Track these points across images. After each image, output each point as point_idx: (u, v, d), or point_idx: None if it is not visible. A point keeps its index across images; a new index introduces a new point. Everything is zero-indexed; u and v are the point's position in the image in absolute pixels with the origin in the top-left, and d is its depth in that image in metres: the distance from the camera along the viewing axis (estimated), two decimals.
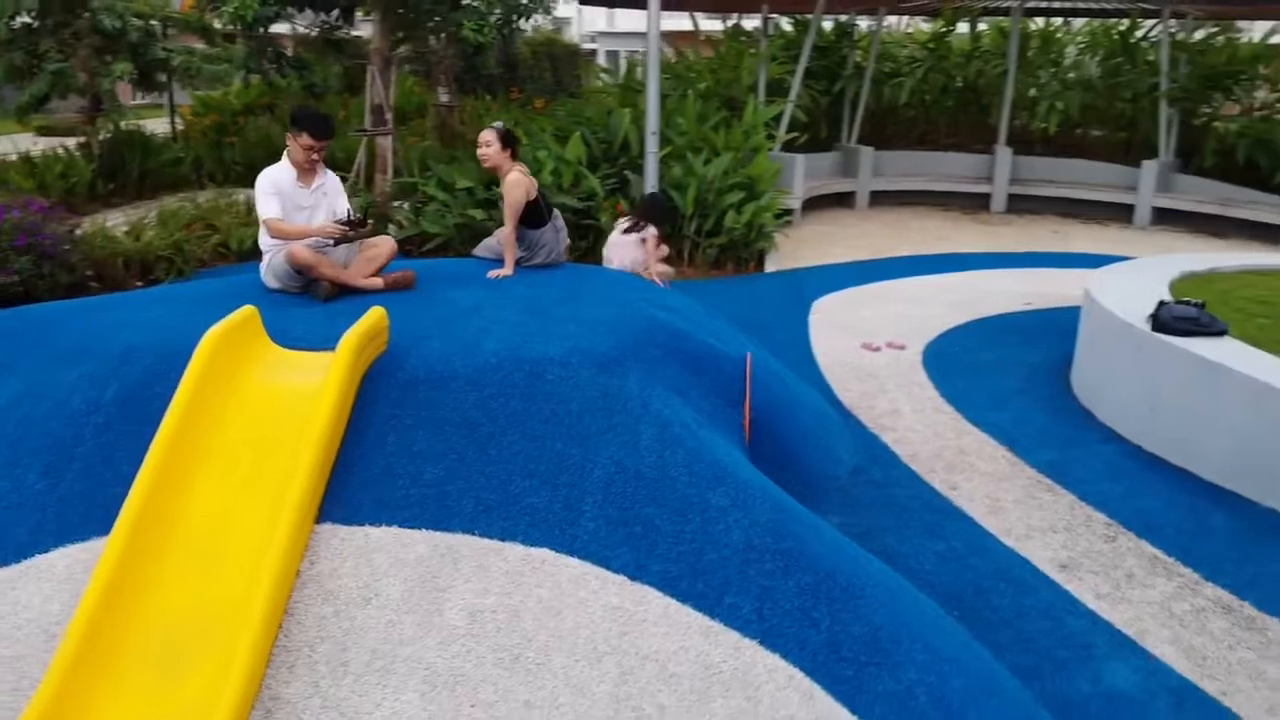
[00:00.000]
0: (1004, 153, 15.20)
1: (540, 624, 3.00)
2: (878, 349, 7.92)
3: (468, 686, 2.90)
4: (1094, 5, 14.56)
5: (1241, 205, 13.38)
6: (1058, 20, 16.63)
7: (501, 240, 5.70)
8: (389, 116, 11.91)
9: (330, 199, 5.00)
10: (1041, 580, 4.43)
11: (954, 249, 12.43)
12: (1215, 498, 5.24)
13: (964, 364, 7.58)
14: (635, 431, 3.59)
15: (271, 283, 4.93)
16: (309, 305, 4.73)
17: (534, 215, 5.58)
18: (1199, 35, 14.64)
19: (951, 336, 8.36)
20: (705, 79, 13.44)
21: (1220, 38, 14.54)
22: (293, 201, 4.85)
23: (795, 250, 11.92)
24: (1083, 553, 4.67)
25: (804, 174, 13.84)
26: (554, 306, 4.76)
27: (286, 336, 4.14)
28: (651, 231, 7.08)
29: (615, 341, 4.23)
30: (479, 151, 5.53)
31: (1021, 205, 15.33)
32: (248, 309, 4.01)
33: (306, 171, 4.90)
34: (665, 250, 7.51)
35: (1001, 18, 16.02)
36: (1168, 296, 6.68)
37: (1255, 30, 16.04)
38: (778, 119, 13.48)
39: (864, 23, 16.39)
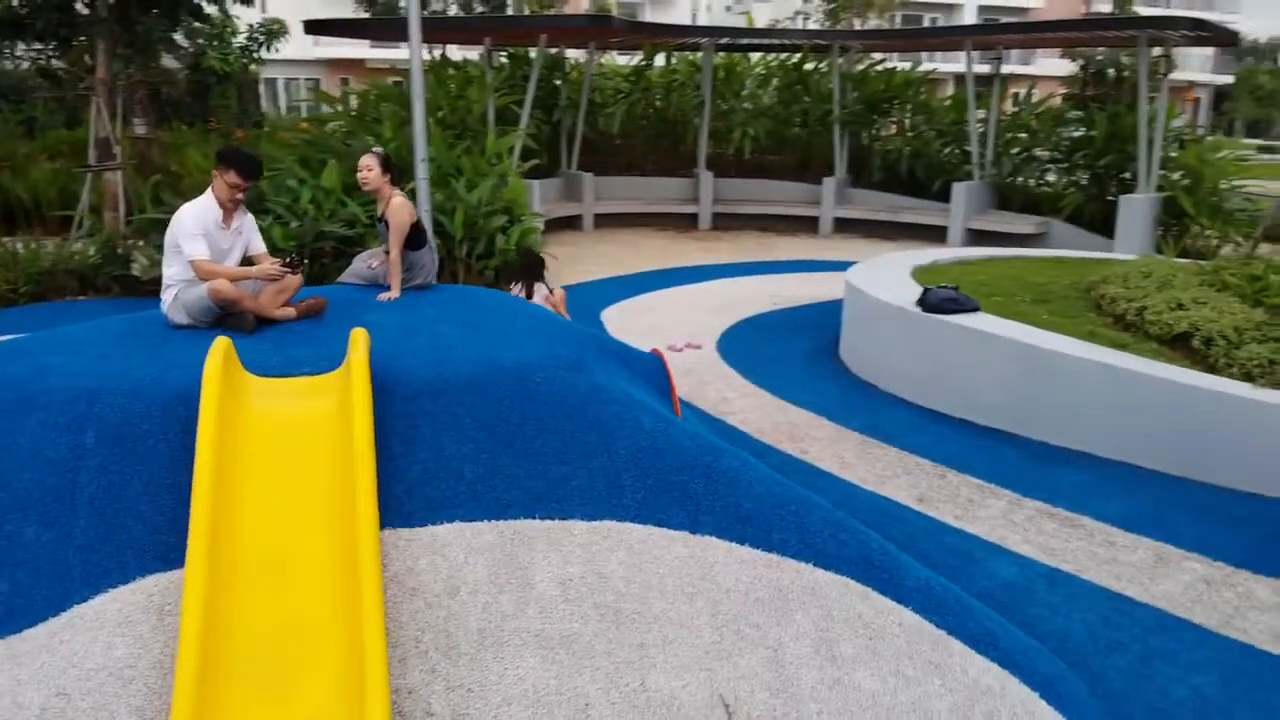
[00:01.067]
0: (706, 176, 16.84)
1: (628, 580, 3.44)
2: (680, 350, 8.80)
3: (581, 643, 3.27)
4: (773, 41, 16.59)
5: (906, 211, 15.91)
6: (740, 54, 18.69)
7: (372, 265, 5.87)
8: (116, 150, 11.10)
9: (246, 237, 4.97)
10: (909, 512, 5.43)
11: (687, 262, 13.71)
12: (998, 437, 6.60)
13: (755, 356, 8.65)
14: (635, 417, 4.08)
15: (179, 319, 4.80)
16: (238, 338, 4.69)
17: (416, 238, 5.81)
18: (860, 67, 17.14)
19: (732, 335, 9.44)
20: (443, 107, 13.76)
21: (878, 68, 17.15)
22: (214, 242, 4.78)
23: (555, 270, 12.58)
24: (928, 489, 5.75)
25: (540, 199, 14.57)
26: (480, 321, 5.08)
27: (248, 366, 4.17)
28: (543, 292, 6.89)
29: (567, 346, 4.67)
30: (360, 175, 5.66)
31: (724, 222, 17.06)
32: (223, 340, 4.02)
33: (229, 212, 4.85)
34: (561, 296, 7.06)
35: (691, 52, 17.72)
36: (912, 285, 8.15)
37: (907, 61, 18.99)
38: (513, 147, 14.09)
39: (574, 55, 17.43)
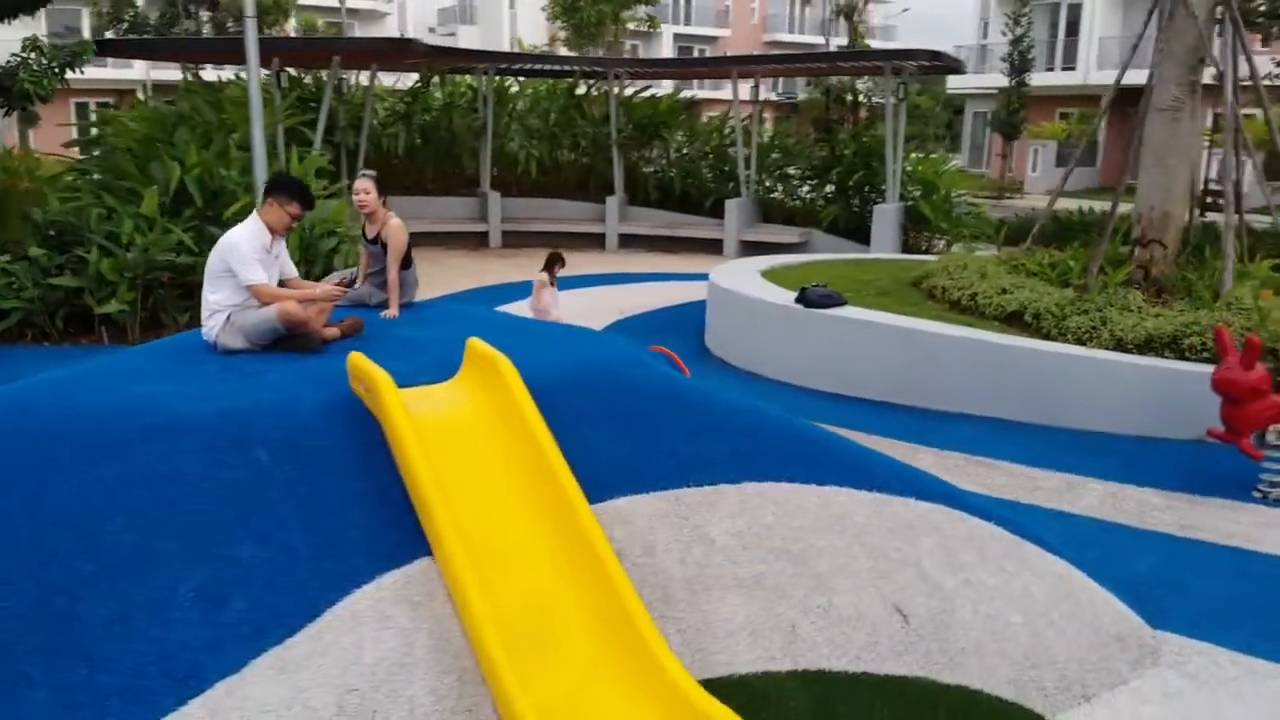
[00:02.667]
0: (493, 195, 17.31)
1: (786, 526, 4.08)
2: None
3: (770, 580, 3.89)
4: (550, 66, 17.39)
5: (684, 226, 17.28)
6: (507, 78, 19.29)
7: (365, 286, 6.05)
8: None
9: (281, 261, 5.05)
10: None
11: (500, 280, 14.17)
12: (891, 407, 7.81)
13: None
14: (724, 399, 4.73)
15: (233, 343, 4.80)
16: (306, 358, 4.80)
17: (408, 258, 6.05)
18: (628, 93, 18.32)
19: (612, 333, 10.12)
20: (238, 128, 13.24)
21: (646, 94, 18.42)
22: (263, 267, 4.85)
23: None
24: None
25: None
26: (501, 334, 5.48)
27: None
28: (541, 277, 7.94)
29: (612, 347, 5.22)
30: (358, 199, 5.81)
31: (513, 240, 17.59)
32: (358, 355, 4.21)
33: (277, 238, 4.92)
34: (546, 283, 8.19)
35: (465, 75, 18.09)
36: (772, 286, 9.29)
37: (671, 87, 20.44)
38: (320, 169, 13.85)
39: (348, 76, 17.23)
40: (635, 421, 4.41)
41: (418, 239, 17.86)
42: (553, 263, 8.14)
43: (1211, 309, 7.56)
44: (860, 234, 16.12)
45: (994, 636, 3.94)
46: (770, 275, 10.06)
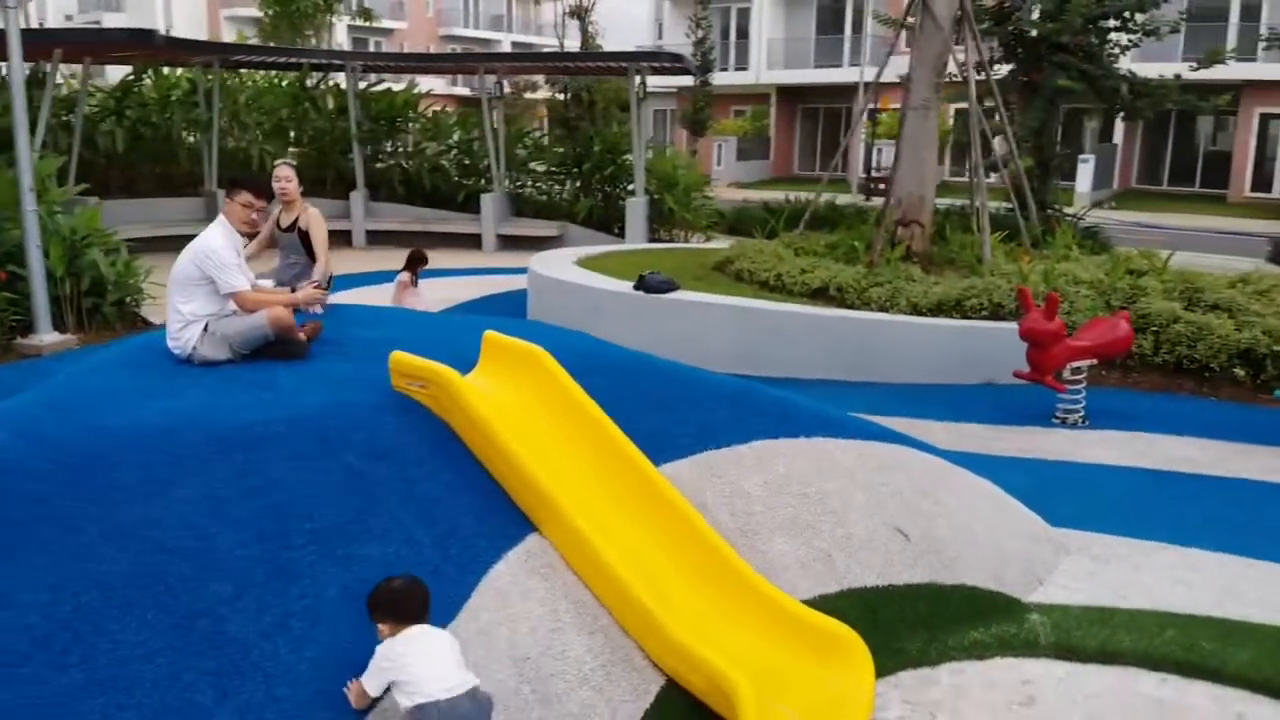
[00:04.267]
0: (221, 196, 16.23)
1: (798, 474, 4.66)
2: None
3: (801, 518, 4.47)
4: (284, 60, 16.56)
5: (437, 222, 17.23)
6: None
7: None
8: None
9: (243, 263, 4.88)
10: None
11: None
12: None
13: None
14: (714, 378, 5.26)
15: (216, 354, 4.60)
16: (295, 364, 4.71)
17: (311, 253, 6.01)
18: (360, 87, 17.86)
19: None
20: None
21: (375, 89, 18.04)
22: (241, 271, 4.69)
23: None
24: None
25: None
26: (457, 331, 5.65)
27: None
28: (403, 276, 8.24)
29: (578, 337, 5.56)
30: (279, 186, 5.65)
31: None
32: (403, 354, 4.28)
33: (244, 237, 4.74)
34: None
35: (183, 67, 16.77)
36: (590, 274, 9.86)
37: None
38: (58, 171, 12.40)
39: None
40: (650, 397, 4.82)
41: (138, 246, 16.60)
42: (415, 261, 8.16)
43: (982, 275, 9.13)
44: (609, 226, 17.02)
45: (969, 544, 4.81)
46: (586, 265, 10.58)
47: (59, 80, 15.07)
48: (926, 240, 10.32)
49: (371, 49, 43.18)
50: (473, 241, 16.94)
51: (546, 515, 3.86)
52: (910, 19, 10.67)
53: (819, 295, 9.34)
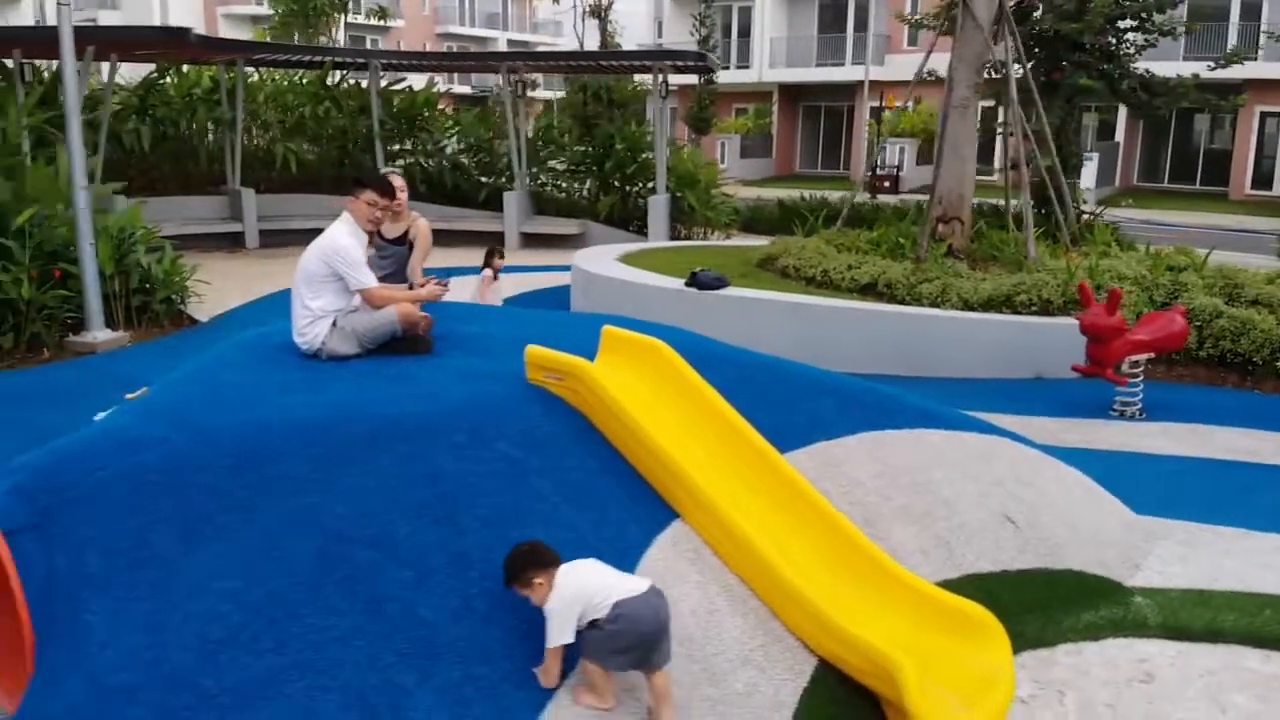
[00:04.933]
0: (248, 193, 16.30)
1: (906, 464, 4.80)
2: None
3: (915, 507, 4.61)
4: (307, 58, 16.60)
5: (460, 220, 17.30)
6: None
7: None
8: None
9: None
10: None
11: None
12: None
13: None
14: (795, 369, 5.37)
15: (345, 348, 4.70)
16: (424, 358, 4.82)
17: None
18: (381, 85, 17.92)
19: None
20: None
21: (394, 87, 18.09)
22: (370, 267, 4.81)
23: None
24: None
25: None
26: (560, 327, 5.77)
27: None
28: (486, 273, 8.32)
29: (683, 333, 5.69)
30: (401, 197, 5.76)
31: (273, 240, 16.66)
32: (538, 348, 4.40)
33: (368, 235, 4.85)
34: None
35: (205, 65, 16.79)
36: (642, 273, 9.98)
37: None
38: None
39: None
40: (759, 390, 4.93)
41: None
42: (492, 255, 8.28)
43: (1030, 272, 9.30)
44: (627, 224, 17.14)
45: (1072, 530, 4.97)
46: (629, 262, 10.70)
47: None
48: (966, 237, 10.49)
49: (368, 46, 43.12)
50: (494, 239, 16.99)
51: (691, 502, 3.98)
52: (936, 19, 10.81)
53: (868, 291, 9.48)
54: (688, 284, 9.27)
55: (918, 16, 15.52)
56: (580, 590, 3.22)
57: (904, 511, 4.61)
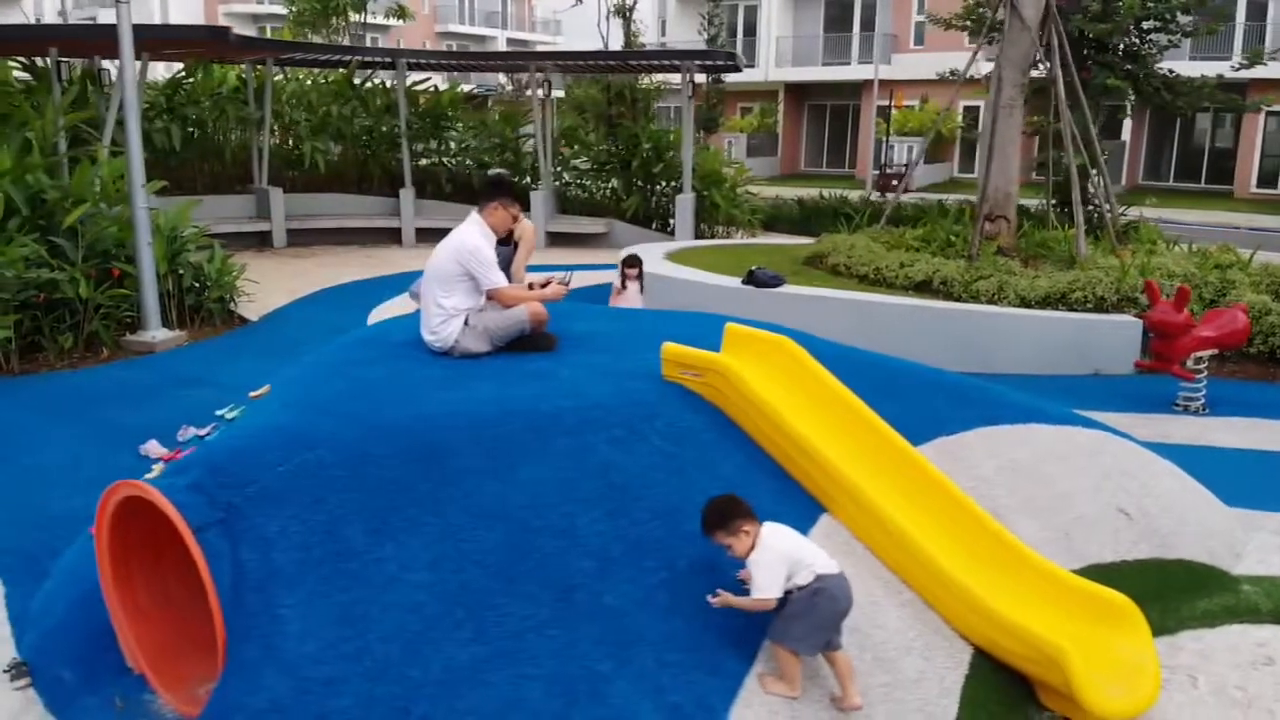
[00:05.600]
0: (275, 192, 16.31)
1: (1022, 459, 4.91)
2: None
3: (1035, 500, 4.73)
4: (335, 57, 16.62)
5: None
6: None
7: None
8: None
9: None
10: None
11: (390, 270, 13.93)
12: None
13: None
14: (904, 366, 5.48)
15: (478, 346, 4.79)
16: (550, 356, 4.91)
17: None
18: (407, 85, 17.94)
19: None
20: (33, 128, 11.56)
21: (419, 86, 18.12)
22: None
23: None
24: None
25: None
26: (672, 324, 5.86)
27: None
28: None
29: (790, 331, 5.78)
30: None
31: (300, 239, 16.69)
32: (675, 345, 4.49)
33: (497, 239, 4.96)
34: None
35: (231, 64, 16.79)
36: (689, 270, 10.08)
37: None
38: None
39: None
40: (876, 387, 5.01)
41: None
42: (633, 264, 8.33)
43: (1084, 269, 9.43)
44: (650, 223, 17.23)
45: (1178, 522, 5.08)
46: (676, 260, 10.79)
47: (100, 77, 15.08)
48: (1013, 235, 10.62)
49: (369, 44, 43.01)
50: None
51: (843, 496, 4.08)
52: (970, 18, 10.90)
53: (923, 289, 9.60)
54: (745, 281, 9.37)
55: (949, 16, 15.61)
56: (790, 549, 3.35)
57: (1026, 504, 4.72)
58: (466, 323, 4.78)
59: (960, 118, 32.03)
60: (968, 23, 15.40)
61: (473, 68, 19.29)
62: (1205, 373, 7.63)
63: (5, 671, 3.90)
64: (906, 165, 30.38)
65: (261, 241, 16.35)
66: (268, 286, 12.77)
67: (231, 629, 3.30)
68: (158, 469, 4.95)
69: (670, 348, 4.48)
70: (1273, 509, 5.81)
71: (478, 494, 3.66)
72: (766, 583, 3.29)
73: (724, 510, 3.38)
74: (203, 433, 6.17)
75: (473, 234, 4.85)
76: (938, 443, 4.84)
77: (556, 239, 16.99)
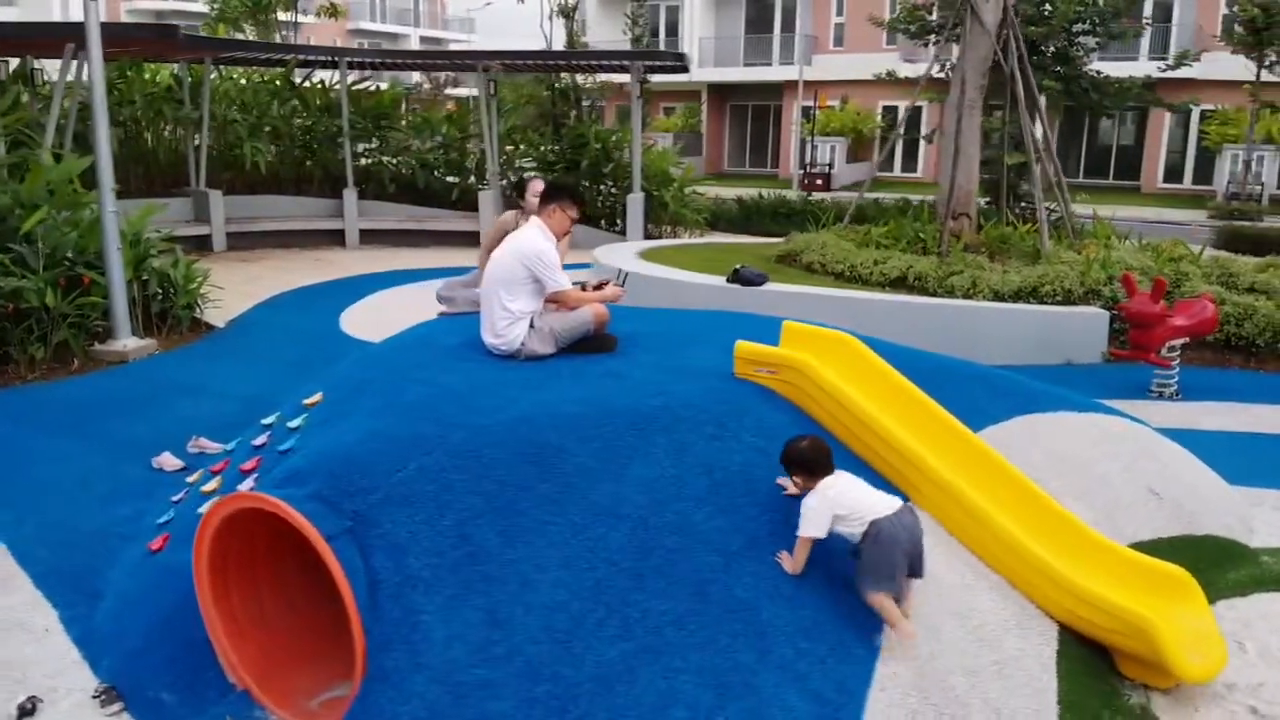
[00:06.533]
0: (215, 195, 15.84)
1: (1063, 446, 5.15)
2: None
3: (1079, 485, 4.99)
4: (276, 56, 16.19)
5: (430, 220, 17.16)
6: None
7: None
8: None
9: None
10: None
11: (343, 273, 13.69)
12: None
13: None
14: (961, 364, 5.71)
15: (545, 348, 4.81)
16: (620, 356, 4.96)
17: None
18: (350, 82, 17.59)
19: None
20: None
21: (358, 86, 17.79)
22: None
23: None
24: None
25: None
26: (711, 324, 5.97)
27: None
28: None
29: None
30: (534, 201, 5.84)
31: (239, 242, 16.24)
32: (747, 343, 4.60)
33: (559, 241, 4.98)
34: None
35: (166, 64, 16.21)
36: (660, 266, 10.20)
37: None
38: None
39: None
40: (925, 379, 5.22)
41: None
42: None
43: (1050, 264, 9.86)
44: (598, 223, 17.29)
45: (1200, 500, 5.41)
46: (652, 258, 10.89)
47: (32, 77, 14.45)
48: (974, 231, 11.03)
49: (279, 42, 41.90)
50: (467, 239, 16.93)
51: (925, 483, 4.24)
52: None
53: (898, 285, 9.90)
54: (730, 280, 9.52)
55: (892, 18, 16.09)
56: (839, 497, 3.60)
57: (1071, 488, 4.96)
58: (532, 325, 4.80)
59: (879, 117, 32.88)
60: (910, 26, 15.88)
61: (418, 67, 19.06)
62: (1178, 360, 8.08)
63: (95, 698, 3.78)
64: (830, 165, 31.10)
65: (200, 245, 15.82)
66: (220, 292, 12.42)
67: (371, 638, 3.29)
68: (215, 483, 4.82)
69: (744, 345, 4.59)
70: (1268, 486, 6.21)
71: (594, 493, 3.70)
72: (806, 523, 3.60)
73: (789, 458, 3.75)
74: (225, 446, 6.04)
75: (536, 237, 4.87)
76: (987, 432, 5.03)
77: None
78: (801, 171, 30.10)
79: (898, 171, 32.94)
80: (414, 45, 52.74)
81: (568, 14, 18.20)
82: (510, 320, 4.78)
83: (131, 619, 4.14)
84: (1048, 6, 14.92)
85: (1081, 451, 5.23)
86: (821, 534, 3.58)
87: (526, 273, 4.79)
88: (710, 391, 4.41)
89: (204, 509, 4.52)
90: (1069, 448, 5.20)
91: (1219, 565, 5.06)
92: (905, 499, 4.30)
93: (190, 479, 5.44)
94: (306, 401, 4.97)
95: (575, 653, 3.25)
